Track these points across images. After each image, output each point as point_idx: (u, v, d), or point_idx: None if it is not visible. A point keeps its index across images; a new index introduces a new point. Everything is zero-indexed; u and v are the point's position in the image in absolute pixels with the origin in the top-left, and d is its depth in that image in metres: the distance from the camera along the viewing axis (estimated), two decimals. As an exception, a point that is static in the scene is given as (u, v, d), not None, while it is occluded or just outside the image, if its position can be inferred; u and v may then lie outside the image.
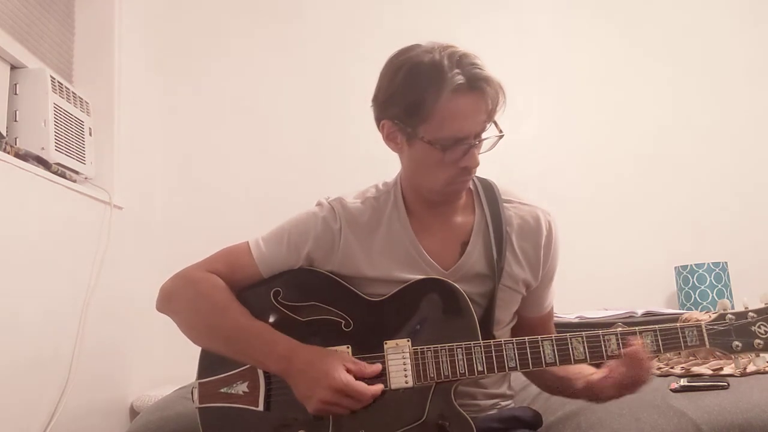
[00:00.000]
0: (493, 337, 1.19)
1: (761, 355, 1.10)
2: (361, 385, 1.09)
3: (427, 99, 1.11)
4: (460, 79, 1.10)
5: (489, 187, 1.30)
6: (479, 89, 1.11)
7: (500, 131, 1.17)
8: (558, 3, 3.10)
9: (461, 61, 1.11)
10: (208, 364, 1.22)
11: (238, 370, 1.19)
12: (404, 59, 1.16)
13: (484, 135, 1.15)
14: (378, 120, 1.21)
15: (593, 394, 1.18)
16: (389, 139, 1.21)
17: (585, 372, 1.20)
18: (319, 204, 1.29)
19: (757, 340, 1.09)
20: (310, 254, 1.24)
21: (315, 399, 1.08)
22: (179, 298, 1.25)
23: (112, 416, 2.34)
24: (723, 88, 3.02)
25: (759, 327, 1.10)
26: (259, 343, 1.16)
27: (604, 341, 1.11)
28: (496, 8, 3.05)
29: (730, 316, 1.11)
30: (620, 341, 1.10)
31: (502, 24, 3.05)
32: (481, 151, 1.17)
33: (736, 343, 1.10)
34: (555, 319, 1.40)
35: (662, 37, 3.07)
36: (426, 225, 1.25)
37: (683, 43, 3.06)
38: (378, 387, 1.10)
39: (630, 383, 1.11)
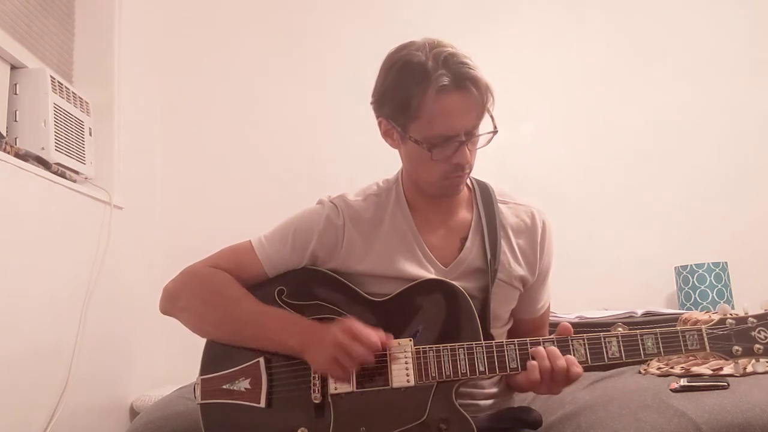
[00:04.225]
0: (491, 334, 1.20)
1: (761, 360, 1.10)
2: (368, 330, 1.10)
3: (413, 99, 1.12)
4: (444, 79, 1.11)
5: (485, 189, 1.32)
6: (464, 88, 1.12)
7: (495, 127, 1.17)
8: (555, 6, 3.10)
9: (447, 60, 1.12)
10: (211, 360, 1.22)
11: (241, 366, 1.20)
12: (396, 58, 1.17)
13: (477, 132, 1.17)
14: (376, 117, 1.24)
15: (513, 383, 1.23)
16: (386, 135, 1.24)
17: None
18: (320, 202, 1.30)
19: (757, 345, 1.10)
20: (314, 252, 1.24)
21: (327, 343, 1.09)
22: (189, 294, 1.25)
23: (112, 416, 2.34)
24: (724, 89, 3.01)
25: (759, 332, 1.11)
26: (279, 322, 1.18)
27: (605, 343, 1.11)
28: (494, 12, 3.05)
29: (730, 320, 1.12)
30: (621, 344, 1.11)
31: (501, 27, 3.04)
32: (476, 147, 1.19)
33: (736, 347, 1.11)
34: (555, 318, 1.41)
35: (661, 37, 3.07)
36: (428, 220, 1.27)
37: (682, 44, 3.06)
38: (381, 337, 1.11)
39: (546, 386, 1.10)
